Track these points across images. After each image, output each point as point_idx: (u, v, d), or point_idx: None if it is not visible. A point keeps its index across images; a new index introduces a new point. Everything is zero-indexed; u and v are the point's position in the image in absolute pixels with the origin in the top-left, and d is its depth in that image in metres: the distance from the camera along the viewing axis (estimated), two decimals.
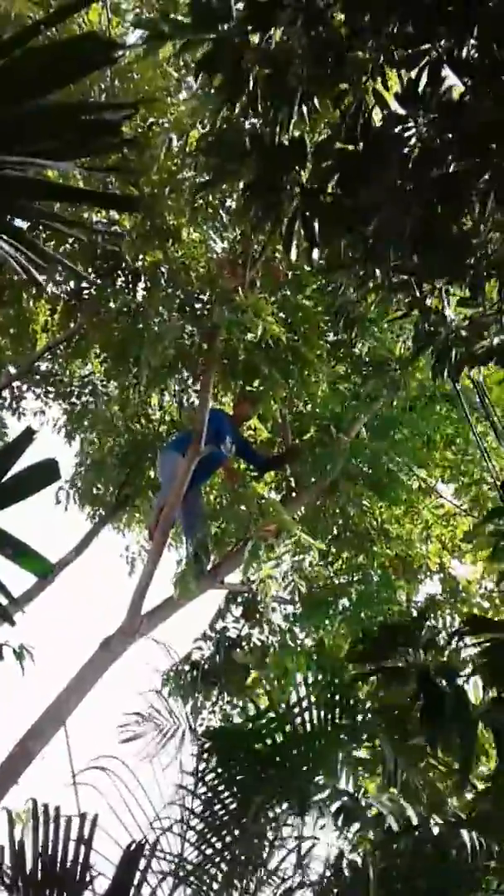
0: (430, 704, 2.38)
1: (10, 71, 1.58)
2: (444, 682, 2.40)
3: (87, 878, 2.98)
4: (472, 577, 7.63)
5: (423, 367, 5.32)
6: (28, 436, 2.06)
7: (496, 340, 2.91)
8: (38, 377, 7.93)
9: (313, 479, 7.48)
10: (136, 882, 2.97)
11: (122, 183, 5.69)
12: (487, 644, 2.61)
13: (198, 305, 7.26)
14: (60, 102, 1.75)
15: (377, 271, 2.61)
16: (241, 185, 2.43)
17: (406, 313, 3.34)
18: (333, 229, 2.30)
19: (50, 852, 2.93)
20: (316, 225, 2.24)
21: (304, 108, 2.65)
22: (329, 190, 2.29)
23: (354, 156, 2.21)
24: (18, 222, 2.30)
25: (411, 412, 7.16)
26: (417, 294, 2.97)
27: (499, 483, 6.07)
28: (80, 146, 1.91)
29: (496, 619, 6.35)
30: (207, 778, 3.26)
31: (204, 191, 3.44)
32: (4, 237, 2.21)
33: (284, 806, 3.19)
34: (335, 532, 8.02)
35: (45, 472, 1.96)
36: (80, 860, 2.97)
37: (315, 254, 2.38)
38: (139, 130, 5.89)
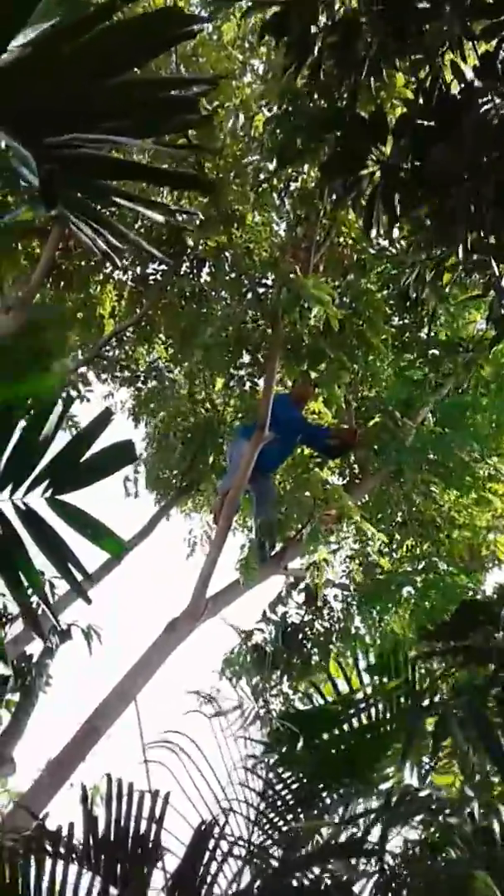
0: None
1: (90, 48, 1.57)
2: None
3: (158, 856, 3.02)
4: None
5: (498, 350, 5.17)
6: (105, 417, 2.07)
7: None
8: (105, 362, 8.03)
9: (378, 466, 7.39)
10: (204, 861, 2.99)
11: (192, 166, 5.69)
12: None
13: (261, 290, 7.24)
14: (140, 78, 1.73)
15: (454, 249, 2.53)
16: (313, 164, 2.37)
17: (482, 294, 3.24)
18: (414, 204, 2.23)
19: (122, 827, 2.97)
20: (397, 200, 2.18)
21: (372, 80, 2.59)
22: (408, 164, 2.22)
23: (433, 129, 2.13)
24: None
25: (483, 397, 6.99)
26: (496, 273, 2.88)
27: None
28: (157, 123, 1.90)
29: None
30: (275, 760, 3.25)
31: (276, 171, 3.38)
32: (81, 216, 2.23)
33: (349, 792, 3.16)
34: (399, 519, 7.91)
35: (122, 453, 1.98)
36: (152, 837, 3.00)
37: (395, 231, 2.32)
38: (206, 112, 5.87)
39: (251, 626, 7.55)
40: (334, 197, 2.31)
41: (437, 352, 6.41)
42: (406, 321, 7.39)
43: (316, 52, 2.57)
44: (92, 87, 1.68)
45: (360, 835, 2.92)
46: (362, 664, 3.84)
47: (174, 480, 8.32)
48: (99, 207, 2.34)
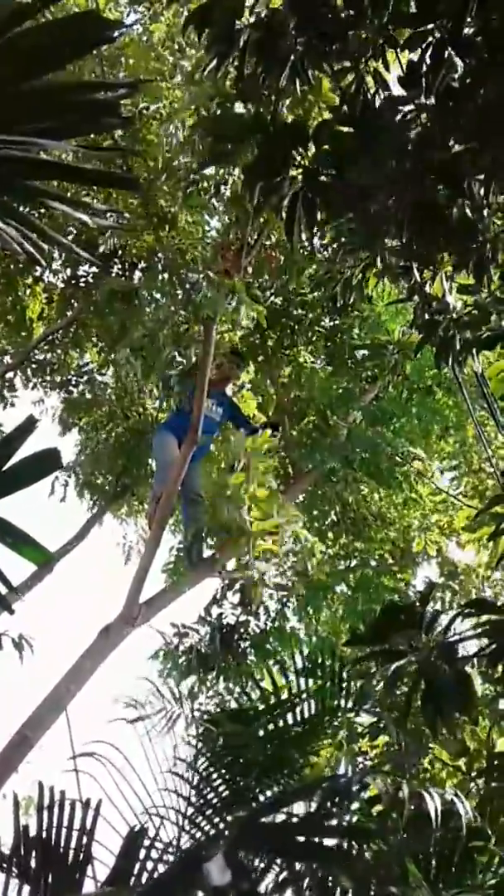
0: (432, 687, 2.38)
1: (9, 49, 1.55)
2: (445, 665, 2.40)
3: (88, 865, 2.99)
4: (471, 562, 7.66)
5: (423, 353, 5.30)
6: (30, 424, 2.04)
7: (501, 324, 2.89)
8: (34, 366, 7.89)
9: (311, 466, 7.48)
10: (135, 869, 2.97)
11: (119, 167, 5.65)
12: (488, 626, 2.61)
13: (193, 293, 7.24)
14: (60, 81, 1.72)
15: (377, 255, 2.59)
16: (240, 167, 2.40)
17: (406, 298, 3.32)
18: (335, 211, 2.27)
19: (53, 836, 2.93)
20: (318, 207, 2.22)
21: (297, 82, 2.62)
22: (331, 171, 2.26)
23: (354, 137, 2.18)
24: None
25: (409, 400, 7.15)
26: (418, 279, 2.95)
27: (499, 472, 6.07)
28: (80, 125, 1.89)
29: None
30: (203, 763, 3.26)
31: (201, 170, 3.39)
32: (7, 219, 2.19)
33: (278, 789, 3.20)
34: (333, 518, 8.03)
35: (47, 461, 1.95)
36: (83, 846, 2.98)
37: (316, 238, 2.36)
38: (133, 114, 5.84)
39: (185, 628, 7.53)
40: (256, 201, 2.33)
41: (364, 352, 6.52)
42: (336, 322, 7.51)
43: (239, 49, 2.58)
44: (12, 89, 1.66)
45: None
46: (297, 664, 3.89)
47: (107, 486, 8.23)
48: (26, 209, 2.31)
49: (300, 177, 2.24)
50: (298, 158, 2.22)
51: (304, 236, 2.32)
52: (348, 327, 7.27)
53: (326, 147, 2.18)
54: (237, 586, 7.76)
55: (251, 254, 6.49)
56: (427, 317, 3.10)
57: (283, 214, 2.27)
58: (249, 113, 2.44)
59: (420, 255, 2.65)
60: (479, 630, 2.66)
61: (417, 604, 2.61)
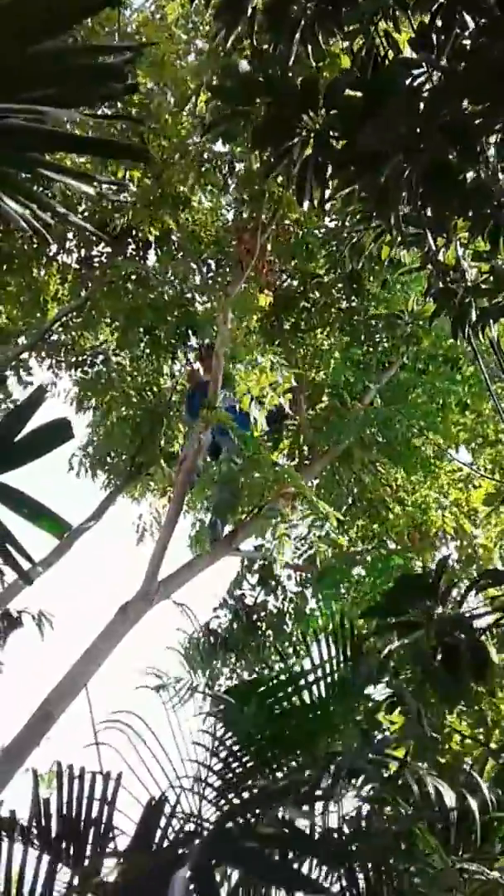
0: (449, 657, 2.37)
1: (11, 14, 1.54)
2: (462, 635, 2.39)
3: (109, 836, 3.02)
4: (489, 541, 7.60)
5: (438, 325, 5.23)
6: (39, 395, 2.04)
7: None
8: (48, 347, 7.91)
9: (327, 447, 7.46)
10: (156, 839, 3.00)
11: (133, 141, 5.62)
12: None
13: (209, 275, 7.22)
14: (63, 46, 1.70)
15: (388, 224, 2.55)
16: (249, 131, 2.37)
17: (420, 267, 3.28)
18: (346, 176, 2.24)
19: (73, 811, 2.97)
20: (329, 170, 2.19)
21: (309, 46, 2.58)
22: (338, 135, 2.22)
23: (364, 99, 2.14)
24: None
25: (423, 375, 7.09)
26: (432, 247, 2.91)
27: None
28: (85, 92, 1.87)
29: None
30: (224, 733, 3.27)
31: (210, 132, 3.34)
32: (16, 196, 2.18)
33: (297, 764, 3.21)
34: (349, 500, 8.00)
35: (58, 431, 1.95)
36: (103, 817, 3.01)
37: (328, 205, 2.33)
38: (146, 92, 5.81)
39: (205, 610, 7.59)
40: (265, 167, 2.30)
41: (378, 323, 6.45)
42: (353, 304, 7.45)
43: (249, 14, 2.54)
44: (14, 55, 1.65)
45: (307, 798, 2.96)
46: (313, 643, 3.89)
47: (123, 465, 8.26)
48: (35, 186, 2.30)
49: (311, 140, 2.21)
50: (308, 121, 2.19)
51: (315, 201, 2.29)
52: (364, 308, 7.21)
53: (337, 110, 2.14)
54: (256, 566, 7.80)
55: (266, 234, 6.45)
56: (441, 285, 3.06)
57: (294, 182, 2.24)
58: (259, 71, 2.39)
59: (433, 222, 2.60)
60: (495, 601, 2.65)
61: (433, 575, 2.60)
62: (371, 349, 7.11)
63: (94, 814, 3.05)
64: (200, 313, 7.34)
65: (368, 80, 2.33)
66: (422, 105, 2.21)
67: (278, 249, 7.03)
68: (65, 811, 3.04)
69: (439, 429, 7.29)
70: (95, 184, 2.23)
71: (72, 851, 3.00)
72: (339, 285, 7.35)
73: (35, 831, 3.00)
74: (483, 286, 2.96)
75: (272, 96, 2.20)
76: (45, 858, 2.86)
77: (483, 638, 2.47)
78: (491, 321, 2.99)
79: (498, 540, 7.51)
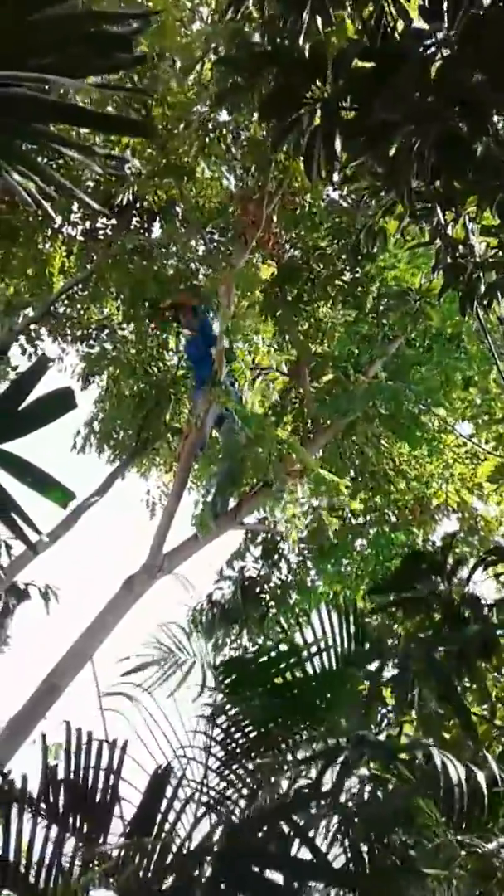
0: (456, 634, 2.38)
1: None
2: (468, 612, 2.40)
3: (116, 804, 3.07)
4: (492, 515, 7.62)
5: (445, 301, 5.18)
6: (42, 364, 2.03)
7: None
8: (54, 321, 7.87)
9: (330, 421, 7.44)
10: (162, 808, 3.04)
11: (137, 113, 5.54)
12: None
13: (213, 245, 7.16)
14: (68, 11, 1.67)
15: (398, 196, 2.52)
16: (257, 102, 2.32)
17: (428, 242, 3.24)
18: (355, 148, 2.21)
19: (81, 777, 3.00)
20: (337, 142, 2.15)
21: (318, 18, 2.52)
22: (348, 105, 2.18)
23: (374, 70, 2.10)
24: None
25: (430, 352, 7.05)
26: (441, 221, 2.88)
27: None
28: (91, 60, 1.83)
29: None
30: (229, 706, 3.30)
31: (218, 104, 3.29)
32: (20, 168, 2.16)
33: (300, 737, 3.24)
34: (352, 474, 8.01)
35: (61, 400, 1.94)
36: (110, 787, 3.05)
37: (336, 176, 2.30)
38: (153, 61, 5.70)
39: (210, 583, 7.64)
40: (273, 138, 2.26)
41: (386, 300, 6.40)
42: (357, 275, 7.38)
43: None
44: (17, 20, 1.61)
45: (314, 778, 2.99)
46: (315, 616, 3.90)
47: (127, 441, 8.25)
48: (39, 157, 2.27)
49: (319, 111, 2.17)
50: (317, 91, 2.15)
51: (323, 173, 2.26)
52: (369, 280, 7.15)
53: (346, 81, 2.10)
54: (259, 539, 7.83)
55: (272, 204, 6.38)
56: (450, 260, 3.02)
57: (302, 154, 2.20)
58: (268, 41, 2.34)
59: (443, 195, 2.57)
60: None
61: (439, 551, 2.60)
62: (377, 324, 7.06)
63: (101, 782, 3.10)
64: (204, 286, 7.29)
65: (379, 49, 2.28)
66: (433, 76, 2.16)
67: (283, 220, 6.95)
68: (72, 778, 3.08)
69: (444, 404, 7.26)
70: (98, 158, 2.20)
71: (78, 820, 3.04)
72: (343, 256, 7.27)
73: (43, 803, 3.04)
74: (492, 260, 2.93)
75: (280, 66, 2.15)
76: (54, 829, 2.90)
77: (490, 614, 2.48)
78: (499, 295, 2.96)
79: (502, 515, 7.53)
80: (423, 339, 6.98)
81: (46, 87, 1.87)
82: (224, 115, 6.30)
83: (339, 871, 2.30)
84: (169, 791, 3.07)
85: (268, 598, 7.75)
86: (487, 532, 7.51)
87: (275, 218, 6.64)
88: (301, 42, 2.56)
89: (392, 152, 2.33)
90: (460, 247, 3.16)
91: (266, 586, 7.80)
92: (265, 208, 6.20)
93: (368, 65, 2.25)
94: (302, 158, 2.23)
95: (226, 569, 7.67)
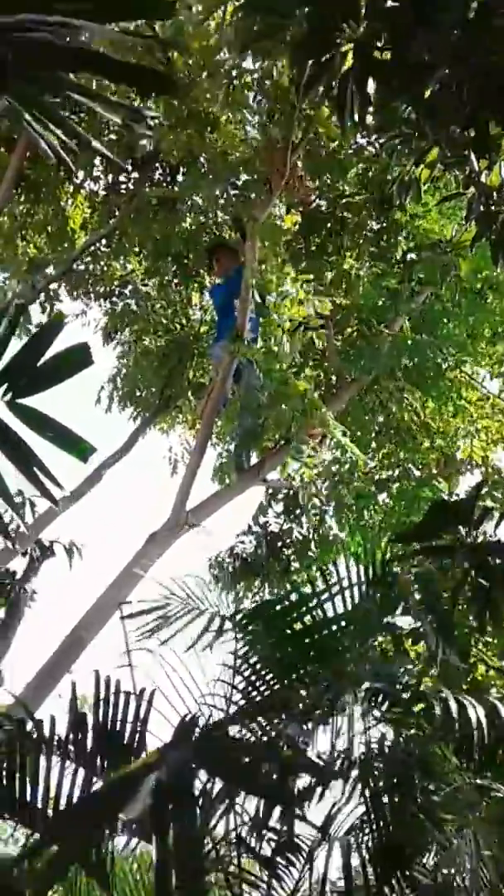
0: (482, 581, 2.38)
1: None
2: (497, 561, 2.39)
3: (143, 750, 3.14)
4: None
5: (476, 252, 5.05)
6: (58, 321, 2.03)
7: None
8: (76, 277, 7.82)
9: (354, 376, 7.38)
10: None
11: (160, 63, 5.40)
12: None
13: (235, 192, 7.01)
14: None
15: (432, 142, 2.45)
16: (287, 44, 2.24)
17: (460, 193, 3.15)
18: (389, 91, 2.13)
19: (108, 724, 3.07)
20: (371, 85, 2.08)
21: None
22: (384, 45, 2.11)
23: (412, 6, 2.01)
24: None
25: (458, 306, 6.93)
26: (476, 168, 2.80)
27: None
28: (119, 7, 1.78)
29: None
30: (251, 654, 3.34)
31: (245, 51, 3.18)
32: (41, 117, 2.12)
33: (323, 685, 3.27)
34: (376, 428, 7.97)
35: (78, 356, 1.94)
36: (136, 733, 3.12)
37: (369, 118, 2.23)
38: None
39: (232, 539, 7.70)
40: (304, 81, 2.19)
41: (414, 256, 6.27)
42: (384, 224, 7.23)
43: None
44: None
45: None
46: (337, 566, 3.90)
47: (151, 398, 8.26)
48: (58, 105, 2.22)
49: (351, 53, 2.09)
50: (350, 32, 2.07)
51: (356, 118, 2.19)
52: (397, 229, 6.99)
53: (381, 19, 2.02)
54: (281, 495, 7.86)
55: (297, 152, 6.22)
56: (483, 209, 2.95)
57: (334, 98, 2.13)
58: None
59: (478, 142, 2.48)
60: None
61: (466, 501, 2.59)
62: (405, 278, 6.93)
63: (129, 728, 3.17)
64: (230, 240, 7.17)
65: None
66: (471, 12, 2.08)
67: (309, 167, 6.79)
68: (100, 725, 3.16)
69: (470, 359, 7.16)
70: (122, 110, 2.15)
71: (105, 764, 3.12)
72: (369, 206, 7.12)
73: (72, 747, 3.12)
74: None
75: (312, 5, 2.07)
76: (81, 773, 2.97)
77: None
78: None
79: None
80: (451, 293, 6.85)
81: (69, 33, 1.82)
82: (248, 63, 6.12)
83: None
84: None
85: (290, 552, 7.82)
86: None
87: (300, 164, 6.48)
88: None
89: (428, 95, 2.25)
90: (494, 194, 3.08)
91: (288, 540, 7.87)
92: (290, 156, 6.05)
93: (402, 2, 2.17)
94: (334, 104, 2.16)
95: (249, 525, 7.74)
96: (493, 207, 2.92)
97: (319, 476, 6.79)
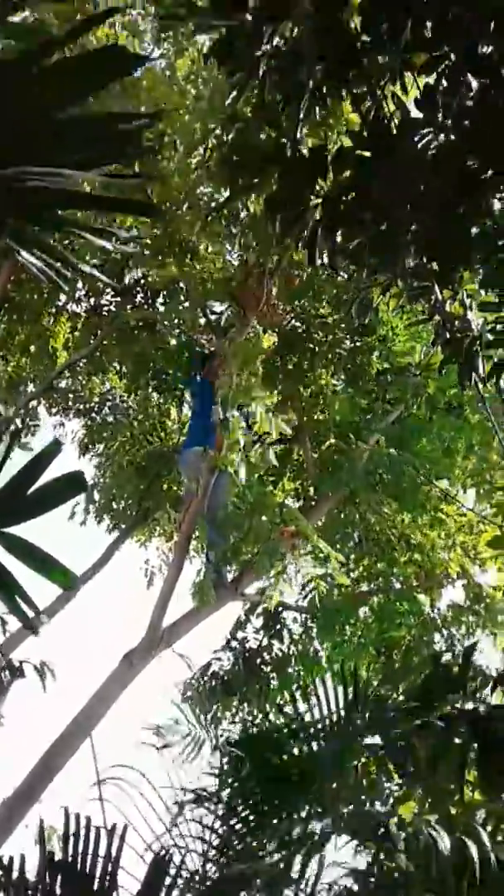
0: (489, 746, 2.35)
1: (38, 80, 1.59)
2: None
3: (114, 892, 2.97)
4: (496, 583, 7.57)
5: (445, 373, 5.27)
6: (55, 447, 2.06)
7: None
8: (56, 395, 7.97)
9: (332, 488, 7.45)
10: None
11: (141, 195, 5.74)
12: None
13: (213, 317, 7.30)
14: (88, 113, 1.76)
15: (397, 276, 2.61)
16: (261, 198, 2.43)
17: (426, 319, 3.33)
18: (354, 235, 2.29)
19: (78, 864, 2.91)
20: (338, 233, 2.24)
21: (316, 108, 2.66)
22: (350, 196, 2.28)
23: (372, 160, 2.20)
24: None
25: (430, 421, 7.12)
26: (439, 298, 2.96)
27: None
28: (106, 156, 1.93)
29: None
30: (227, 791, 3.22)
31: (225, 207, 3.44)
32: (33, 249, 2.23)
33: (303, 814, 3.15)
34: (356, 539, 7.97)
35: (71, 484, 1.96)
36: (108, 874, 2.95)
37: (338, 262, 2.38)
38: (155, 144, 5.93)
39: (209, 655, 7.51)
40: (278, 231, 2.36)
41: (387, 376, 6.52)
42: (358, 344, 7.52)
43: (259, 77, 2.63)
44: (38, 122, 1.70)
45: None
46: (316, 688, 3.83)
47: (128, 511, 8.24)
48: (52, 240, 2.35)
49: (321, 206, 2.26)
50: (318, 188, 2.25)
51: (325, 262, 2.34)
52: (369, 349, 7.28)
53: (347, 175, 2.20)
54: (260, 609, 7.73)
55: (273, 278, 6.54)
56: (448, 336, 3.10)
57: (305, 243, 2.29)
58: (270, 139, 2.47)
59: (439, 275, 2.65)
60: None
61: (461, 669, 2.59)
62: (377, 397, 7.16)
63: (99, 869, 3.00)
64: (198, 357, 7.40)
65: (377, 133, 2.39)
66: (429, 162, 2.27)
67: (284, 293, 7.11)
68: (69, 865, 2.99)
69: (446, 475, 7.29)
70: (111, 239, 2.28)
71: None
72: (343, 325, 7.42)
73: (40, 885, 2.94)
74: (490, 336, 3.00)
75: (284, 167, 2.26)
76: None
77: None
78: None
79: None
80: (423, 409, 7.05)
81: (63, 179, 1.95)
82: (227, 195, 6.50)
83: None
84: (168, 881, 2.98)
85: (269, 669, 7.62)
86: (493, 602, 7.44)
87: (275, 290, 6.79)
88: (301, 131, 2.70)
89: (389, 235, 2.42)
90: (458, 321, 3.24)
91: (267, 656, 7.68)
92: (265, 283, 6.35)
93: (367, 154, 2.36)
94: (305, 249, 2.32)
95: (228, 640, 7.56)
96: (458, 334, 3.07)
97: (296, 585, 6.74)
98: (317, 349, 7.55)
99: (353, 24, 2.70)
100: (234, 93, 2.73)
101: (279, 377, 7.52)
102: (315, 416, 7.75)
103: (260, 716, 7.06)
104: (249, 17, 2.56)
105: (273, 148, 2.36)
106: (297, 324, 7.68)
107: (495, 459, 7.15)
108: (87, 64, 1.61)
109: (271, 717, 6.68)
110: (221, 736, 7.32)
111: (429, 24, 2.62)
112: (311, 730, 3.26)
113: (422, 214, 2.17)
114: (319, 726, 3.26)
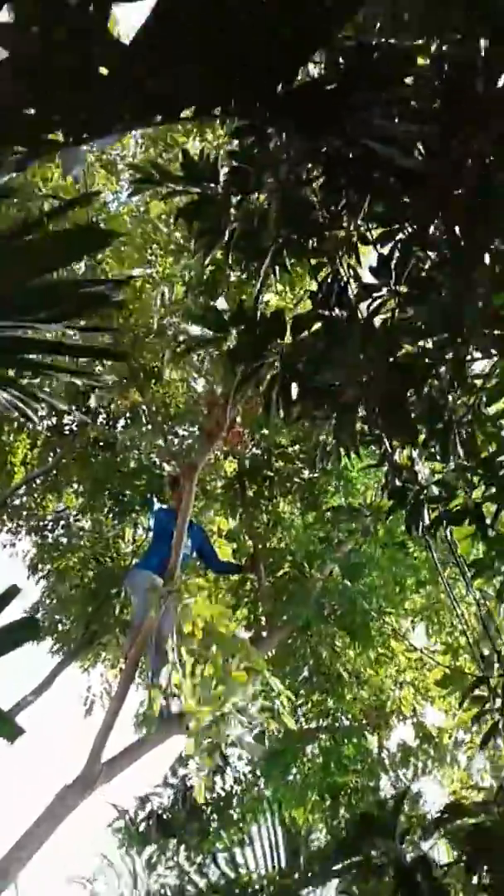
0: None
1: (18, 254, 1.73)
2: (421, 877, 2.33)
3: None
4: (444, 724, 7.47)
5: (395, 516, 5.43)
6: (11, 594, 2.06)
7: (468, 498, 3.03)
8: (10, 510, 7.93)
9: (285, 618, 7.40)
10: None
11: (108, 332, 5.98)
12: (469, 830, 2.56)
13: (175, 441, 7.46)
14: (59, 280, 1.90)
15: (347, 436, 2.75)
16: (223, 351, 2.61)
17: (377, 464, 3.46)
18: (308, 397, 2.45)
19: None
20: (294, 390, 2.39)
21: (277, 269, 2.89)
22: (304, 359, 2.46)
23: (325, 335, 2.39)
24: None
25: (382, 556, 7.22)
26: (389, 448, 3.11)
27: (467, 631, 6.02)
28: (75, 313, 2.07)
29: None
30: None
31: (190, 353, 3.65)
32: (4, 387, 2.35)
33: None
34: (306, 673, 7.85)
35: (25, 631, 1.95)
36: None
37: (291, 415, 2.53)
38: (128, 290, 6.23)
39: (147, 791, 7.16)
40: (238, 380, 2.52)
41: (339, 513, 6.66)
42: (314, 476, 7.70)
43: (226, 241, 2.86)
44: (20, 287, 1.84)
45: None
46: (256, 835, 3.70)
47: (75, 632, 8.04)
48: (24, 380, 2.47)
49: (278, 362, 2.43)
50: (276, 346, 2.42)
51: (280, 413, 2.49)
52: (325, 482, 7.46)
53: (300, 343, 2.38)
54: (204, 745, 7.44)
55: (237, 407, 6.75)
56: (397, 483, 3.23)
57: (262, 396, 2.44)
58: (233, 304, 2.66)
59: (391, 426, 2.80)
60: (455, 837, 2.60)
61: (391, 813, 2.57)
62: (333, 527, 7.28)
63: None
64: (167, 479, 7.49)
65: (329, 317, 2.59)
66: (379, 339, 2.45)
67: (248, 421, 7.32)
68: None
69: (397, 609, 7.33)
70: (81, 376, 2.40)
71: None
72: (302, 457, 7.63)
73: None
74: (436, 488, 3.14)
75: (245, 325, 2.43)
76: None
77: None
78: (444, 523, 3.15)
79: (452, 725, 7.39)
80: (373, 547, 7.17)
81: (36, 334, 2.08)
82: (194, 329, 6.80)
83: None
84: None
85: (210, 809, 7.26)
86: (442, 742, 7.31)
87: (238, 419, 6.98)
88: (260, 291, 2.91)
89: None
90: (405, 471, 3.39)
91: (208, 796, 7.34)
92: (229, 412, 6.54)
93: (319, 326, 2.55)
94: (263, 400, 2.46)
95: (169, 776, 7.24)
96: (406, 483, 3.21)
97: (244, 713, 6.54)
98: (276, 477, 7.71)
99: (314, 200, 2.99)
100: (202, 251, 2.95)
101: (238, 504, 7.63)
102: (270, 545, 7.81)
103: (198, 861, 6.68)
104: (219, 188, 2.82)
105: (236, 310, 2.54)
106: (258, 451, 7.87)
107: (443, 598, 7.23)
108: (66, 240, 1.76)
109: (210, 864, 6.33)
110: (156, 881, 6.89)
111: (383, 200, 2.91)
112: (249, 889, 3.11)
113: (371, 387, 2.34)
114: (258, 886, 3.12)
